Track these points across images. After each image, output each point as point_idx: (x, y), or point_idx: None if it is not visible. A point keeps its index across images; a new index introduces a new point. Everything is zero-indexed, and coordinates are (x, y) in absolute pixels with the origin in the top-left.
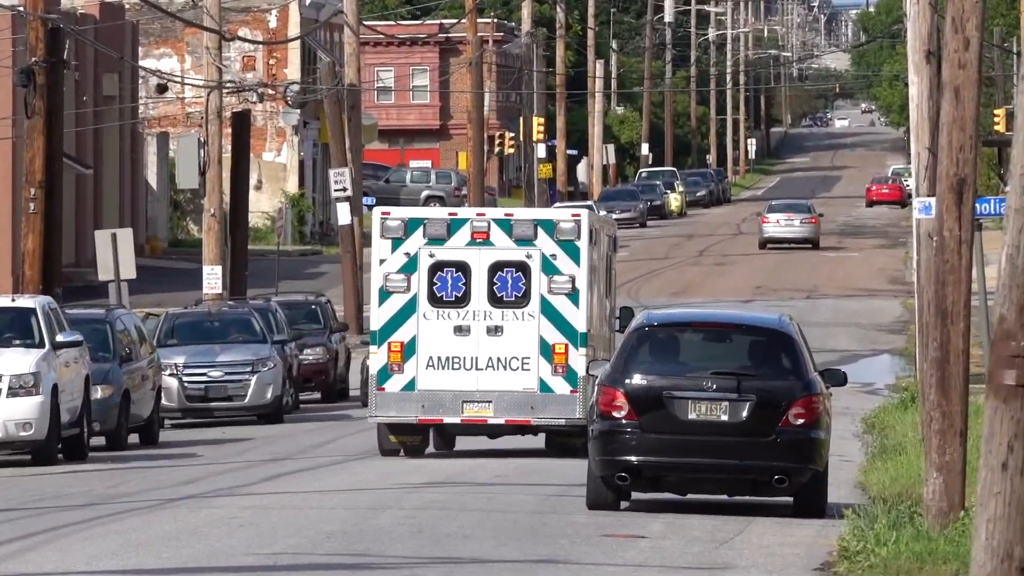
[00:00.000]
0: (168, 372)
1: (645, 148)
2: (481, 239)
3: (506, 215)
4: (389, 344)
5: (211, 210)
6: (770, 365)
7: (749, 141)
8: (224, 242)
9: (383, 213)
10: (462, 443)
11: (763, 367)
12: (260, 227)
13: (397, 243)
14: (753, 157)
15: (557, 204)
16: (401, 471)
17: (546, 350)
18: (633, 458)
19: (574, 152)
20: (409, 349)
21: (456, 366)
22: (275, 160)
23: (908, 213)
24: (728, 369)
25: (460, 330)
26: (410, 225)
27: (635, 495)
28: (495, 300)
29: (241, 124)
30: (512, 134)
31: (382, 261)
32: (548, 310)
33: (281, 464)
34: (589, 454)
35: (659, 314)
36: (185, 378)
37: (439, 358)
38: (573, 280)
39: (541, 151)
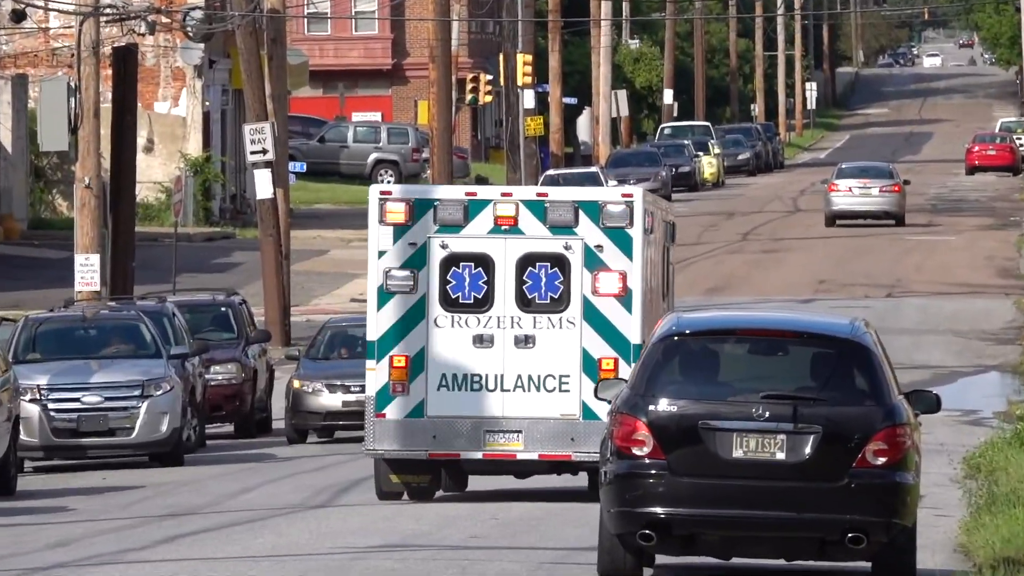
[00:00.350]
0: (28, 397)
1: (668, 96)
2: (507, 226)
3: (539, 195)
4: (391, 359)
5: (85, 180)
6: (841, 386)
7: (808, 86)
8: (103, 223)
9: (383, 193)
10: (475, 482)
11: (831, 388)
12: (151, 203)
13: (401, 231)
14: (813, 107)
15: (549, 172)
16: (346, 530)
17: (590, 366)
18: (659, 509)
19: (573, 101)
20: (416, 365)
21: (476, 386)
22: (171, 113)
23: (1023, 182)
24: (785, 391)
25: (481, 340)
26: (417, 208)
27: (661, 559)
28: (525, 303)
29: (125, 64)
30: (490, 77)
31: (381, 253)
32: (592, 316)
33: (182, 521)
34: (602, 505)
35: (692, 318)
36: (51, 405)
37: (454, 376)
38: (624, 277)
39: (529, 99)
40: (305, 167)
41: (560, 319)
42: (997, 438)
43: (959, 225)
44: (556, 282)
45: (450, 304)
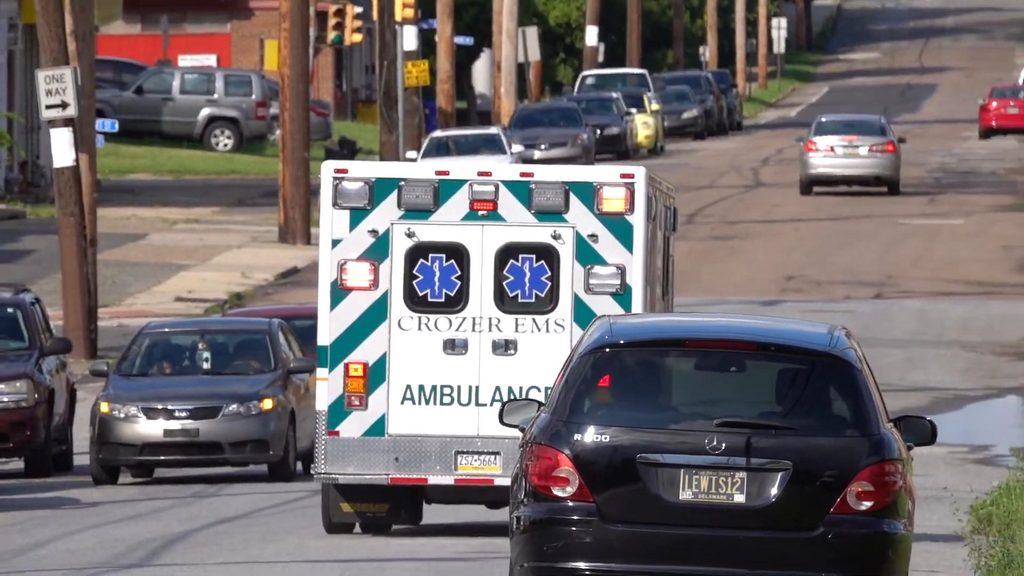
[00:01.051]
0: None
1: (592, 35)
2: (485, 210)
3: (523, 175)
4: (346, 366)
5: None
6: (816, 411)
7: (775, 23)
8: None
9: (337, 171)
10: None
11: (804, 414)
12: None
13: (359, 215)
14: (782, 51)
15: (436, 133)
16: None
17: None
18: (585, 565)
19: (467, 41)
20: (376, 374)
21: (447, 399)
22: None
23: None
24: (746, 417)
25: (453, 346)
26: (378, 188)
27: None
28: (505, 302)
29: None
30: (359, 10)
31: (336, 242)
32: (585, 318)
33: None
34: (512, 559)
35: (628, 324)
36: None
37: (421, 388)
38: (623, 273)
39: (410, 39)
40: (117, 126)
41: (547, 321)
42: (1014, 481)
43: (969, 205)
44: (542, 277)
45: (417, 303)
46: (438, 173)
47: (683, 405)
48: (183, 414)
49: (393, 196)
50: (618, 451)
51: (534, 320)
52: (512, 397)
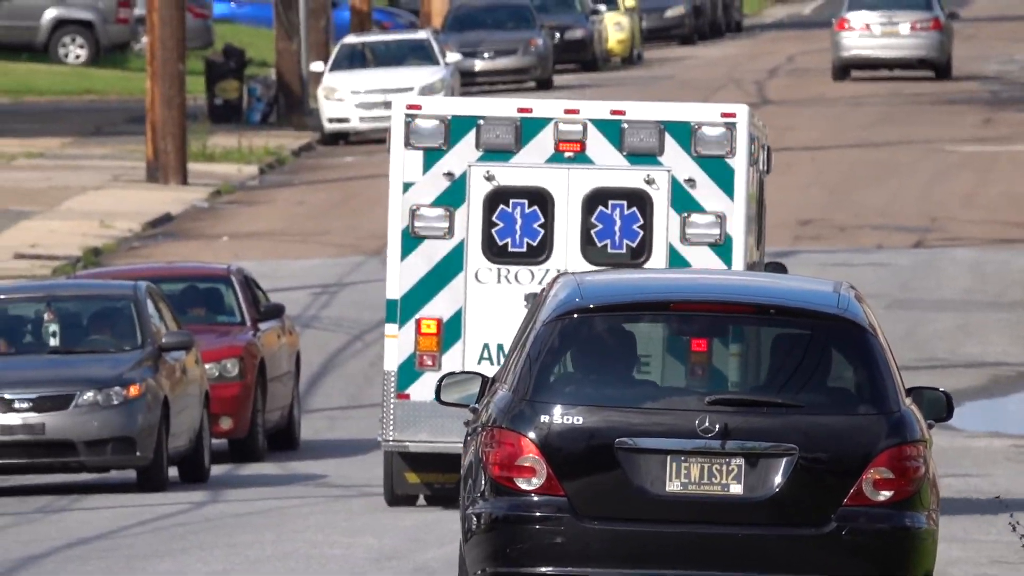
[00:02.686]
0: None
1: None
2: (572, 152)
3: (614, 113)
4: (418, 323)
5: None
6: (824, 385)
7: None
8: None
9: (410, 107)
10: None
11: (811, 389)
12: None
13: (433, 156)
14: None
15: (348, 39)
16: None
17: None
18: (554, 571)
19: None
20: (451, 330)
21: None
22: None
23: None
24: (743, 393)
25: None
26: (455, 127)
27: None
28: (594, 253)
29: None
30: None
31: (407, 186)
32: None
33: None
34: (468, 565)
35: (600, 284)
36: None
37: (500, 346)
38: (722, 221)
39: None
40: None
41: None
42: None
43: None
44: (634, 226)
45: (496, 253)
46: (520, 111)
47: (669, 380)
48: (24, 405)
49: (471, 136)
50: (593, 435)
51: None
52: None
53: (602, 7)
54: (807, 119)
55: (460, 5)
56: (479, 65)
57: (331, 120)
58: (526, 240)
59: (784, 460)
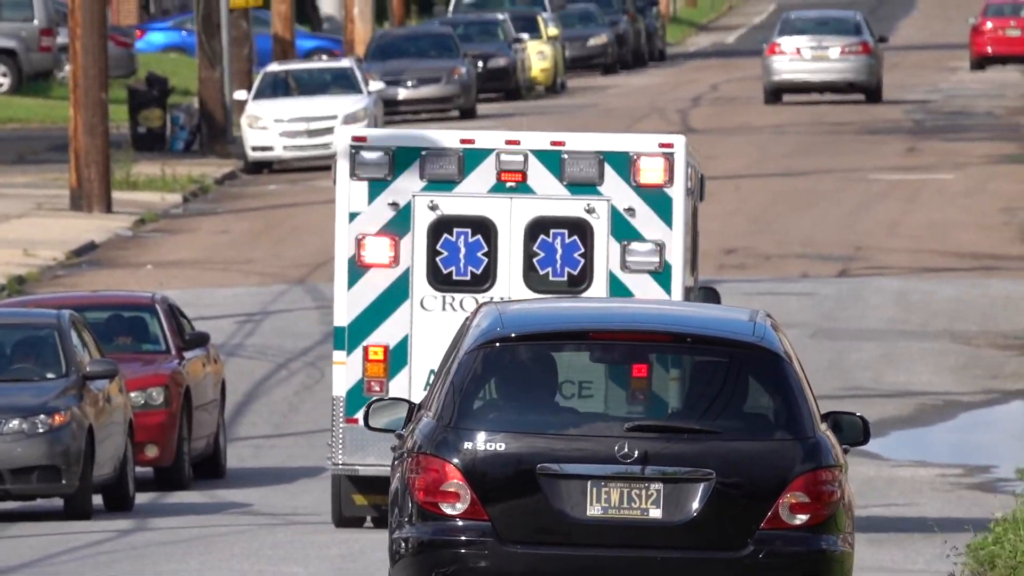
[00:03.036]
0: None
1: None
2: (514, 182)
3: (554, 144)
4: (366, 349)
5: None
6: (740, 411)
7: None
8: None
9: (355, 139)
10: None
11: (728, 416)
12: None
13: (378, 187)
14: None
15: (271, 67)
16: None
17: None
18: None
19: None
20: (398, 357)
21: None
22: None
23: None
24: (661, 420)
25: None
26: (399, 158)
27: None
28: (536, 280)
29: None
30: None
31: (353, 215)
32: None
33: None
34: None
35: (521, 313)
36: None
37: None
38: (661, 249)
39: None
40: None
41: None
42: (1023, 513)
43: (959, 155)
44: (575, 254)
45: (441, 281)
46: (463, 141)
47: (589, 407)
48: None
49: (415, 166)
50: (515, 461)
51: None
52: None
53: (525, 36)
54: (731, 147)
55: (383, 33)
56: (403, 94)
57: (255, 148)
58: (470, 268)
59: (702, 485)
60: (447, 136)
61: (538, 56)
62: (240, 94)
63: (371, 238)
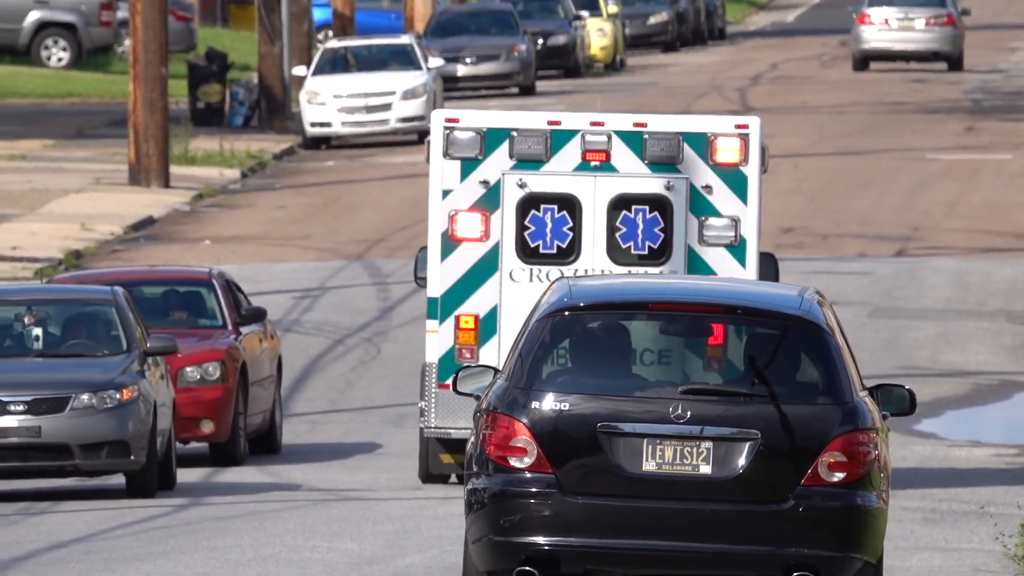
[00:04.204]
0: None
1: None
2: (598, 161)
3: (636, 125)
4: (458, 318)
5: None
6: (786, 378)
7: None
8: None
9: (448, 120)
10: None
11: (773, 381)
12: None
13: (470, 165)
14: None
15: (330, 44)
16: None
17: None
18: (544, 540)
19: None
20: (488, 326)
21: None
22: None
23: None
24: (712, 384)
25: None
26: (490, 138)
27: None
28: (618, 253)
29: None
30: None
31: (446, 193)
32: (699, 270)
33: None
34: (467, 535)
35: (588, 286)
36: None
37: None
38: (737, 224)
39: None
40: None
41: (660, 273)
42: None
43: (1018, 135)
44: (656, 229)
45: (529, 254)
46: (550, 123)
47: (646, 371)
48: (19, 408)
49: (504, 146)
50: (578, 420)
51: (647, 272)
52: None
53: (585, 13)
54: (790, 126)
55: (443, 10)
56: (461, 70)
57: (313, 124)
58: (556, 242)
59: (748, 444)
60: (535, 118)
61: (598, 33)
62: (299, 70)
63: (463, 214)
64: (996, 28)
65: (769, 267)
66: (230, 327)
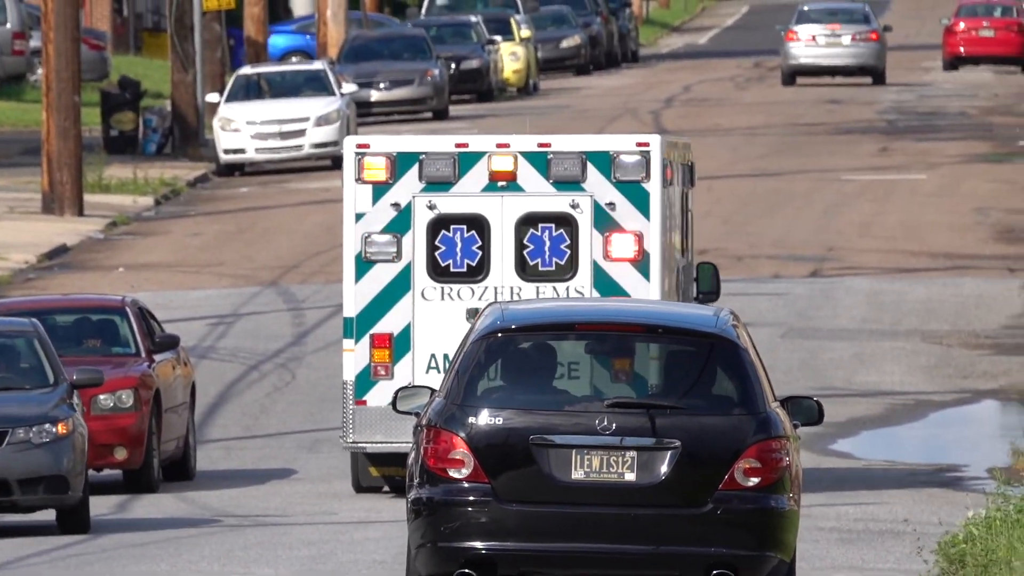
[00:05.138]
0: None
1: None
2: (505, 181)
3: (541, 146)
4: (372, 337)
5: None
6: (704, 392)
7: None
8: None
9: (359, 146)
10: None
11: (692, 395)
12: None
13: (381, 190)
14: None
15: (243, 70)
16: None
17: None
18: (481, 544)
19: None
20: (401, 344)
21: None
22: None
23: None
24: (636, 398)
25: (476, 314)
26: (400, 162)
27: None
28: (526, 270)
29: None
30: None
31: (359, 216)
32: (604, 284)
33: None
34: (409, 540)
35: (519, 310)
36: None
37: (446, 356)
38: (640, 239)
39: None
40: None
41: (567, 288)
42: (993, 511)
43: (932, 155)
44: (562, 246)
45: (439, 273)
46: (458, 146)
47: (574, 387)
48: None
49: (414, 169)
50: (512, 433)
51: (554, 288)
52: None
53: (498, 37)
54: (703, 149)
55: (356, 35)
56: (375, 96)
57: (226, 151)
58: (466, 261)
59: (669, 452)
60: (443, 141)
61: (511, 57)
62: (212, 97)
63: (376, 236)
64: (910, 49)
65: (708, 276)
66: (143, 355)
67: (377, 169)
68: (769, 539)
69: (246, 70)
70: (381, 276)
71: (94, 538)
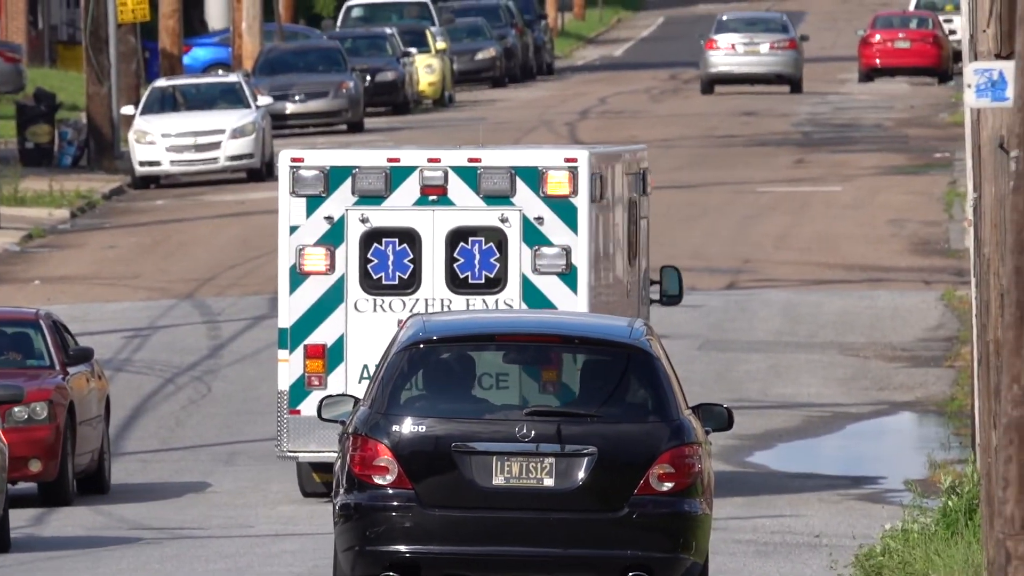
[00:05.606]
0: None
1: None
2: (436, 195)
3: (471, 160)
4: (306, 348)
5: None
6: (619, 400)
7: None
8: None
9: (294, 159)
10: None
11: (608, 403)
12: None
13: (315, 202)
14: None
15: (159, 83)
16: None
17: None
18: (405, 548)
19: None
20: (335, 354)
21: None
22: None
23: (954, 93)
24: (553, 406)
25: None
26: (332, 176)
27: None
28: (456, 283)
29: None
30: None
31: (293, 229)
32: (533, 297)
33: None
34: (336, 545)
35: (440, 322)
36: None
37: None
38: (568, 253)
39: None
40: None
41: (496, 301)
42: (910, 524)
43: (848, 167)
44: (491, 259)
45: (372, 286)
46: (390, 160)
47: (494, 396)
48: None
49: (347, 183)
50: (434, 440)
51: (484, 300)
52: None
53: (413, 50)
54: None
55: (271, 48)
56: (290, 108)
57: (142, 163)
58: (398, 274)
59: (586, 459)
60: (375, 156)
61: (426, 70)
62: (127, 109)
63: (309, 248)
64: (825, 60)
65: (672, 279)
66: (58, 367)
67: (310, 183)
68: (683, 542)
69: (161, 82)
70: (315, 288)
71: (11, 551)
